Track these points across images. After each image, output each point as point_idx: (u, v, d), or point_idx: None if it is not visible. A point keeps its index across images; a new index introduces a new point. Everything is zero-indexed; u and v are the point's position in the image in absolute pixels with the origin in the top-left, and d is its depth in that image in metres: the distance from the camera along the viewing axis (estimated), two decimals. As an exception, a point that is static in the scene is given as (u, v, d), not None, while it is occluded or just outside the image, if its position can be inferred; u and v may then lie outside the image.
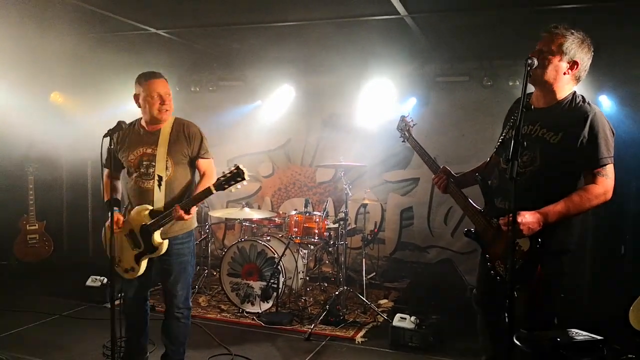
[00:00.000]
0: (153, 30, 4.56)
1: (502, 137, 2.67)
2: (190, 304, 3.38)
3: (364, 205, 5.78)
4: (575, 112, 2.44)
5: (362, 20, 4.12)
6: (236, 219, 5.56)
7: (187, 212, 3.01)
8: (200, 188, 3.10)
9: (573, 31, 2.43)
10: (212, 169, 3.29)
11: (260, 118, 6.43)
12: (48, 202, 6.44)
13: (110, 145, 2.89)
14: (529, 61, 2.25)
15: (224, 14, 4.12)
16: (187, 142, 3.19)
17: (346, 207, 4.89)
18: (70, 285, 5.35)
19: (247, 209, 5.16)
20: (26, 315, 4.62)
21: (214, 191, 2.96)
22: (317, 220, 4.87)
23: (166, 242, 3.14)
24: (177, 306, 3.26)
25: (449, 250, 5.88)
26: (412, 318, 4.13)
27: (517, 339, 2.35)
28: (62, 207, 6.85)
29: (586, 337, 2.36)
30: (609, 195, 2.41)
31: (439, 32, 4.50)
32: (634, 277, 3.91)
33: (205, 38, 4.99)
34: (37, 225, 6.15)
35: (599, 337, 2.36)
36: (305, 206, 5.08)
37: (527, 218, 2.32)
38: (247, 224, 5.48)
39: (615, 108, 5.01)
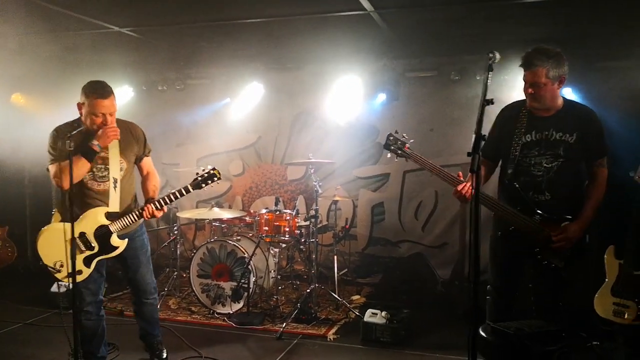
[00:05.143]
0: (116, 28, 4.44)
1: (517, 143, 2.99)
2: None
3: (335, 202, 5.77)
4: (577, 113, 2.97)
5: (329, 17, 4.10)
6: (205, 219, 5.48)
7: (160, 208, 3.13)
8: (151, 187, 3.29)
9: (548, 56, 2.83)
10: (153, 166, 3.45)
11: (230, 116, 6.33)
12: (10, 207, 6.22)
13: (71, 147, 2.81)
14: (490, 55, 2.41)
15: (189, 11, 4.03)
16: (136, 142, 3.29)
17: (317, 205, 4.87)
18: (34, 292, 5.20)
19: (216, 209, 5.07)
20: (-12, 324, 4.47)
21: (192, 190, 3.20)
22: (288, 218, 4.83)
23: (125, 241, 3.19)
24: (150, 293, 3.47)
25: (420, 245, 5.91)
26: (383, 313, 4.14)
27: (482, 331, 2.38)
28: (25, 212, 6.65)
29: (551, 326, 2.41)
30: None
31: (406, 28, 4.50)
32: (599, 266, 4.00)
33: (171, 36, 4.88)
34: (-2, 231, 5.96)
35: (563, 326, 2.41)
36: (276, 204, 5.04)
37: (576, 232, 2.90)
38: (217, 224, 5.41)
39: (579, 101, 5.09)
